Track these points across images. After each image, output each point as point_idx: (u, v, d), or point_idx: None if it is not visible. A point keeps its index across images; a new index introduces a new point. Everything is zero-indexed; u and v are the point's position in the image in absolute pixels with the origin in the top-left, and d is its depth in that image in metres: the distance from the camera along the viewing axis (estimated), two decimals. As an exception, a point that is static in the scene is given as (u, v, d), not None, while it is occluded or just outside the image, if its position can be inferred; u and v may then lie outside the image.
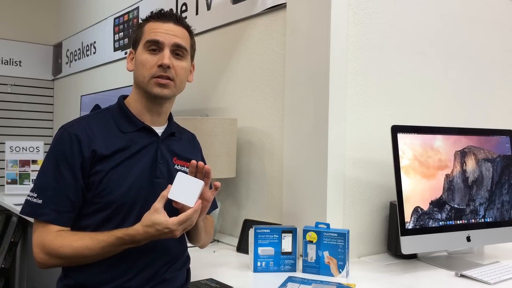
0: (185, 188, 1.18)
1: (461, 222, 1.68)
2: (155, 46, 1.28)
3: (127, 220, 1.23)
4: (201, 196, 1.23)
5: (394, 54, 1.86)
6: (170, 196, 1.17)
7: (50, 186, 1.21)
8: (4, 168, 3.45)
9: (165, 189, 1.20)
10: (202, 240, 1.43)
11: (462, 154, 1.71)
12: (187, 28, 1.36)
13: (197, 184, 1.19)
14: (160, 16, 1.32)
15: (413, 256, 1.73)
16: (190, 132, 1.53)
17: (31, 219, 1.30)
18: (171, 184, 1.19)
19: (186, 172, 1.22)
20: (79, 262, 1.21)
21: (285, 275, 1.52)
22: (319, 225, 1.56)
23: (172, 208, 1.21)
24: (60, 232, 1.21)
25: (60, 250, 1.18)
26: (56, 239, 1.19)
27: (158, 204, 1.17)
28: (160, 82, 1.28)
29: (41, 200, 1.21)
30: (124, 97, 1.38)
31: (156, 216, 1.15)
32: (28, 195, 1.23)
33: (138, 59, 1.31)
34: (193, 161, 1.24)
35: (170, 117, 1.42)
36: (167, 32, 1.29)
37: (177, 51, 1.31)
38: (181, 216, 1.16)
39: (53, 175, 1.22)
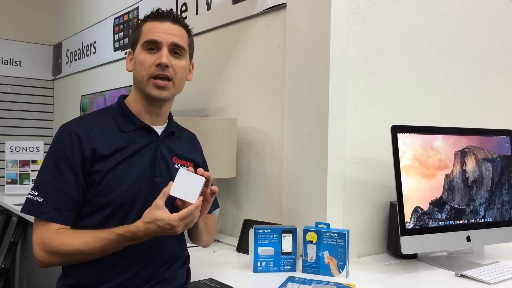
0: (186, 185, 1.18)
1: (461, 222, 1.68)
2: (153, 46, 1.29)
3: (127, 219, 1.23)
4: (202, 195, 1.23)
5: (394, 54, 1.86)
6: (172, 193, 1.17)
7: (50, 185, 1.21)
8: (4, 168, 3.45)
9: (165, 187, 1.19)
10: (204, 240, 1.43)
11: (462, 154, 1.71)
12: (185, 26, 1.36)
13: (198, 181, 1.19)
14: (157, 15, 1.32)
15: (413, 256, 1.73)
16: (190, 132, 1.53)
17: (32, 218, 1.30)
18: (172, 181, 1.19)
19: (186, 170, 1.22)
20: (80, 260, 1.21)
21: (285, 275, 1.52)
22: (319, 225, 1.56)
23: (173, 205, 1.21)
24: (61, 230, 1.21)
25: (61, 248, 1.18)
26: (57, 237, 1.19)
27: (160, 200, 1.17)
28: (158, 84, 1.28)
29: (42, 199, 1.21)
30: (124, 96, 1.38)
31: (157, 212, 1.15)
32: (29, 194, 1.23)
33: (136, 59, 1.31)
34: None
35: (170, 117, 1.42)
36: (165, 32, 1.29)
37: (175, 50, 1.31)
38: (183, 212, 1.16)
39: (54, 174, 1.22)
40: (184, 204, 1.19)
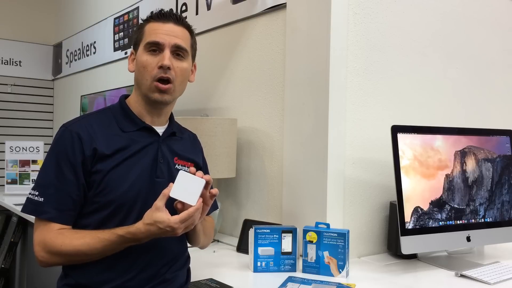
0: (186, 187, 1.18)
1: (461, 222, 1.68)
2: (156, 47, 1.28)
3: (127, 219, 1.24)
4: (201, 198, 1.22)
5: (394, 54, 1.86)
6: (172, 195, 1.17)
7: (51, 184, 1.21)
8: (4, 168, 3.45)
9: (165, 188, 1.19)
10: (202, 242, 1.42)
11: (462, 154, 1.71)
12: (188, 28, 1.36)
13: (199, 183, 1.19)
14: (160, 16, 1.31)
15: (413, 256, 1.73)
16: (191, 132, 1.53)
17: (32, 218, 1.30)
18: (172, 183, 1.19)
19: (187, 171, 1.22)
20: (80, 260, 1.21)
21: (285, 275, 1.52)
22: (319, 225, 1.56)
23: (173, 206, 1.21)
24: (61, 230, 1.21)
25: (61, 248, 1.18)
26: (57, 237, 1.19)
27: (160, 202, 1.16)
28: (160, 88, 1.28)
29: (42, 198, 1.21)
30: (126, 96, 1.38)
31: (158, 214, 1.15)
32: (30, 193, 1.23)
33: (138, 60, 1.31)
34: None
35: (171, 117, 1.42)
36: (167, 33, 1.29)
37: (178, 51, 1.30)
38: (183, 214, 1.16)
39: (55, 173, 1.22)
40: (184, 206, 1.19)
